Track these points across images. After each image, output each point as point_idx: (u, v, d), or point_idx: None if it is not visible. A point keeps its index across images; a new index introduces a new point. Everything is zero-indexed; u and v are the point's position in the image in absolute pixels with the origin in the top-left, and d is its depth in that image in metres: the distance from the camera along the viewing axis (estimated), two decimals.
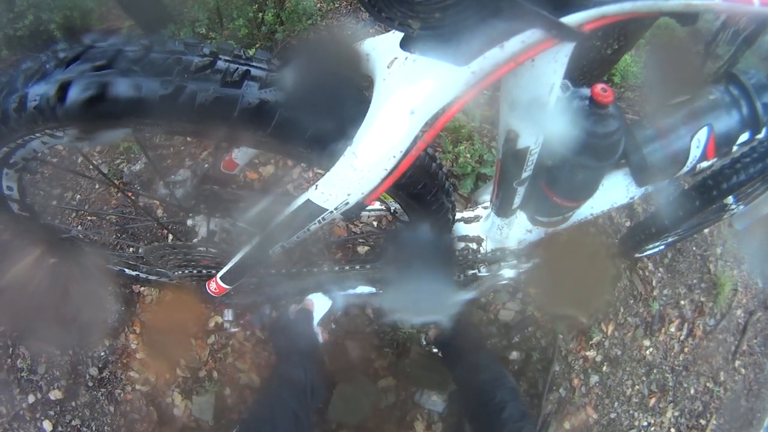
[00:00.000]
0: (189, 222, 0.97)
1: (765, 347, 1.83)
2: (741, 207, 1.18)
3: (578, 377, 1.57)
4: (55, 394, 1.41)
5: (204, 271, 1.00)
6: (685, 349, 1.70)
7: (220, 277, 0.89)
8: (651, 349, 1.66)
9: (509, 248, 1.08)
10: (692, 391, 1.68)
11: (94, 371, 1.43)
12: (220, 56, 0.58)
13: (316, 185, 0.64)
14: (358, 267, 1.15)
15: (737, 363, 1.77)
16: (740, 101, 0.79)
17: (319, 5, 1.95)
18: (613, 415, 1.57)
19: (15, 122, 0.57)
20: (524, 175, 0.79)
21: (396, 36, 0.57)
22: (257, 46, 1.80)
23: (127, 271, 1.20)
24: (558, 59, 0.55)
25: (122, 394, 1.42)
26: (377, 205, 1.00)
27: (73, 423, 1.40)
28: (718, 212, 1.23)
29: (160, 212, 1.59)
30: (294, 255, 1.44)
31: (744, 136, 0.82)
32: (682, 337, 1.71)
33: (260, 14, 1.76)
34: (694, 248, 1.83)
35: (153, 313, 1.48)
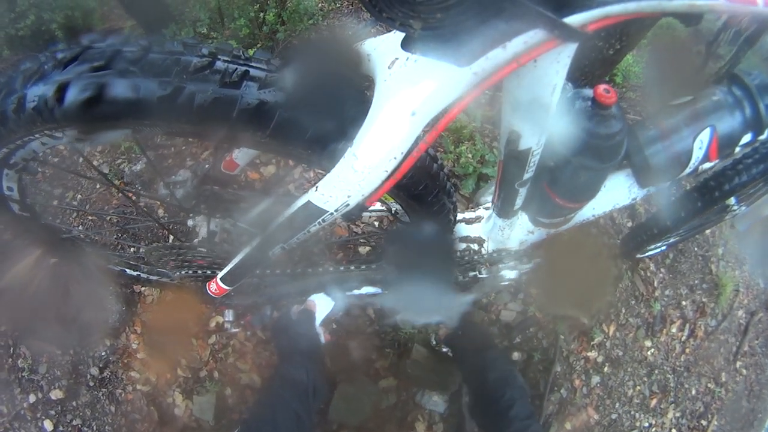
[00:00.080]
0: (190, 222, 0.97)
1: (766, 348, 1.83)
2: (743, 208, 1.17)
3: (579, 378, 1.57)
4: (56, 394, 1.42)
5: (204, 272, 1.00)
6: (687, 350, 1.70)
7: (221, 278, 0.88)
8: (652, 350, 1.66)
9: (511, 249, 1.08)
10: (693, 392, 1.68)
11: (95, 371, 1.44)
12: (219, 57, 0.58)
13: (317, 186, 0.64)
14: (360, 268, 1.14)
15: (738, 364, 1.76)
16: (743, 102, 0.79)
17: (320, 5, 1.95)
18: (614, 416, 1.57)
19: (14, 123, 0.57)
20: (526, 176, 0.78)
21: (397, 36, 0.57)
22: (258, 46, 1.79)
23: (128, 271, 1.20)
24: (561, 60, 0.55)
25: (123, 394, 1.42)
26: (378, 205, 0.99)
27: (74, 423, 1.40)
28: (720, 213, 1.22)
29: (161, 212, 1.59)
30: (295, 255, 1.44)
31: (747, 137, 0.82)
32: (683, 338, 1.71)
33: (261, 14, 1.75)
34: (695, 249, 1.82)
35: (154, 313, 1.48)
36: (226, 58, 0.58)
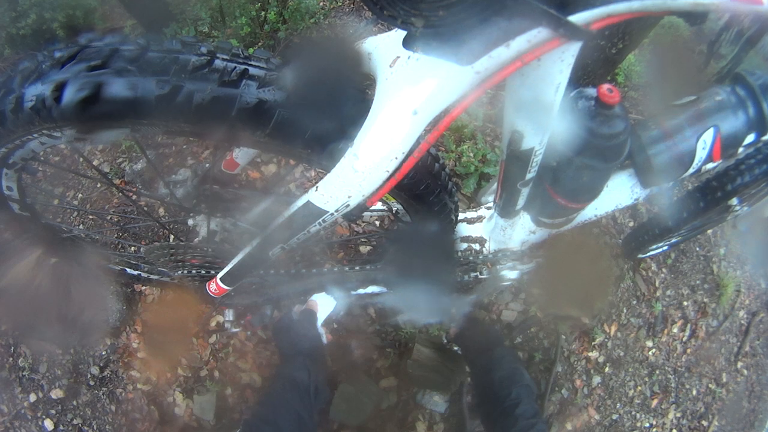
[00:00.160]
0: (190, 222, 0.96)
1: (767, 348, 1.82)
2: (745, 208, 1.17)
3: (580, 378, 1.56)
4: (56, 393, 1.42)
5: (204, 272, 1.00)
6: (688, 350, 1.69)
7: (220, 278, 0.88)
8: (654, 350, 1.65)
9: (512, 249, 1.08)
10: (694, 393, 1.67)
11: (95, 370, 1.44)
12: (218, 55, 0.57)
13: (317, 186, 0.63)
14: (364, 268, 1.14)
15: (739, 364, 1.76)
16: (747, 102, 0.78)
17: (321, 4, 1.94)
18: (615, 417, 1.57)
19: (12, 123, 0.56)
20: (528, 176, 0.78)
21: (399, 34, 0.56)
22: (260, 44, 1.79)
23: (128, 270, 1.20)
24: (564, 59, 0.54)
25: (123, 393, 1.42)
26: (379, 205, 0.99)
27: (75, 422, 1.40)
28: (722, 213, 1.22)
29: (161, 212, 1.59)
30: (296, 255, 1.43)
31: (750, 138, 0.81)
32: (684, 338, 1.70)
33: (263, 13, 1.75)
34: (697, 249, 1.82)
35: (154, 312, 1.48)
36: (224, 57, 0.57)
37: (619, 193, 0.96)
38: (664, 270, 1.74)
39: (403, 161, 0.59)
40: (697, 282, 1.77)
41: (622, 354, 1.62)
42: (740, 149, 0.84)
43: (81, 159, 1.63)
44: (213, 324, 1.48)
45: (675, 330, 1.70)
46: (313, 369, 1.06)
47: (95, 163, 1.67)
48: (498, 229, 1.03)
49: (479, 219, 1.11)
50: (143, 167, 1.61)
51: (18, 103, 0.54)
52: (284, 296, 1.25)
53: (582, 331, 1.60)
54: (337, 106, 0.60)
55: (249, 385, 1.44)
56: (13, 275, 1.11)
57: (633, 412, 1.59)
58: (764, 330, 1.84)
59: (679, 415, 1.63)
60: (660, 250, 1.60)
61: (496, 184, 0.90)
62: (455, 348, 1.39)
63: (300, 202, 0.66)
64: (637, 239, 1.43)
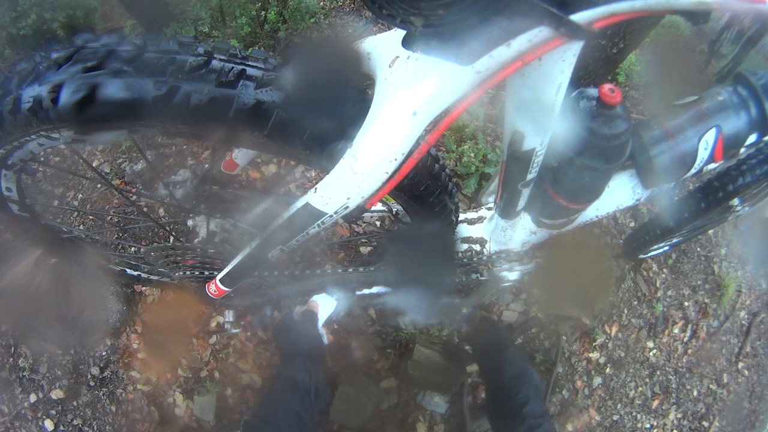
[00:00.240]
0: (189, 222, 0.96)
1: None
2: (746, 208, 1.16)
3: (581, 379, 1.56)
4: (56, 394, 1.41)
5: (203, 273, 1.00)
6: (689, 351, 1.69)
7: (220, 279, 0.88)
8: (654, 351, 1.65)
9: (513, 250, 1.07)
10: (695, 393, 1.67)
11: (95, 371, 1.43)
12: (215, 55, 0.57)
13: (315, 188, 0.63)
14: (367, 269, 1.13)
15: (740, 365, 1.75)
16: (749, 102, 0.78)
17: (322, 3, 1.94)
18: (615, 417, 1.56)
19: (10, 124, 0.56)
20: (529, 177, 0.77)
21: (398, 34, 0.56)
22: (260, 44, 1.79)
23: (128, 271, 1.19)
24: (566, 58, 0.54)
25: (124, 394, 1.42)
26: (379, 206, 0.99)
27: (75, 422, 1.40)
28: (723, 214, 1.21)
29: (162, 212, 1.59)
30: (296, 256, 1.43)
31: (752, 138, 0.81)
32: (685, 339, 1.70)
33: (263, 12, 1.75)
34: (698, 249, 1.81)
35: (155, 312, 1.48)
36: (222, 57, 0.57)
37: (620, 193, 0.95)
38: (665, 270, 1.74)
39: (403, 162, 0.58)
40: (698, 282, 1.77)
41: (622, 355, 1.61)
42: (742, 149, 0.83)
43: (80, 160, 1.63)
44: (213, 324, 1.48)
45: (676, 330, 1.69)
46: (314, 370, 1.06)
47: (95, 163, 1.67)
48: (499, 229, 1.02)
49: (480, 220, 1.10)
50: (143, 168, 1.61)
51: (15, 104, 0.54)
52: (284, 297, 1.25)
53: (583, 331, 1.60)
54: (336, 106, 0.60)
55: (249, 385, 1.44)
56: (13, 276, 1.10)
57: (634, 413, 1.58)
58: (765, 330, 1.83)
59: (680, 415, 1.63)
60: (661, 250, 1.60)
61: (496, 184, 0.89)
62: (466, 347, 1.40)
63: (299, 203, 0.66)
64: (638, 239, 1.43)
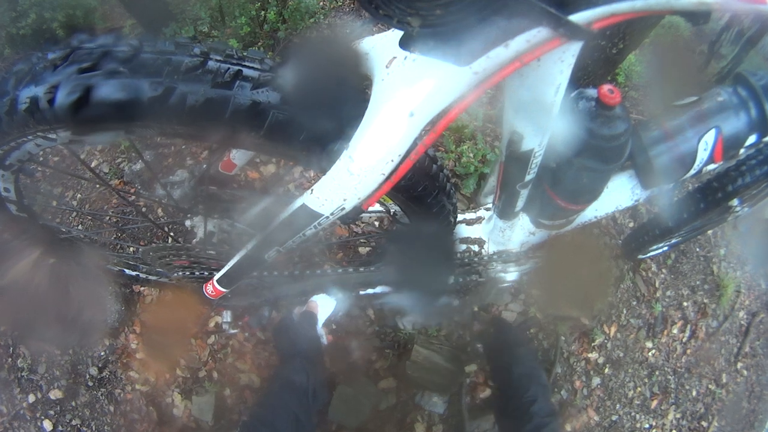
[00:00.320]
0: (187, 223, 0.96)
1: (767, 349, 1.82)
2: (745, 209, 1.16)
3: (580, 379, 1.56)
4: (55, 394, 1.41)
5: (202, 273, 1.00)
6: (688, 351, 1.69)
7: (217, 280, 0.88)
8: (653, 351, 1.65)
9: (511, 251, 1.07)
10: (694, 393, 1.67)
11: (94, 371, 1.43)
12: (212, 56, 0.56)
13: (312, 189, 0.63)
14: (364, 269, 1.13)
15: (739, 365, 1.75)
16: (749, 103, 0.78)
17: (321, 3, 1.93)
18: (614, 418, 1.56)
19: (7, 125, 0.56)
20: (528, 177, 0.77)
21: (395, 34, 0.55)
22: (259, 44, 1.78)
23: (126, 271, 1.19)
24: (565, 59, 0.54)
25: (122, 394, 1.42)
26: (377, 206, 0.98)
27: (73, 422, 1.40)
28: (723, 214, 1.21)
29: (160, 212, 1.59)
30: (294, 256, 1.43)
31: (752, 139, 0.81)
32: (684, 339, 1.70)
33: (262, 12, 1.74)
34: (697, 249, 1.81)
35: (153, 313, 1.47)
36: (218, 58, 0.56)
37: (619, 194, 0.95)
38: (664, 271, 1.74)
39: (400, 164, 0.58)
40: (697, 283, 1.77)
41: (621, 355, 1.61)
42: (742, 150, 0.83)
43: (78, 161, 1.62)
44: (211, 325, 1.48)
45: (675, 331, 1.69)
46: (312, 371, 1.06)
47: (94, 163, 1.66)
48: (497, 230, 1.02)
49: (478, 220, 1.10)
50: (142, 168, 1.60)
51: (12, 105, 0.54)
52: (282, 297, 1.25)
53: (581, 332, 1.60)
54: (334, 107, 0.60)
55: (247, 386, 1.44)
56: (11, 276, 1.10)
57: (632, 413, 1.58)
58: (764, 330, 1.83)
59: (678, 415, 1.63)
60: (660, 250, 1.60)
61: (493, 184, 0.89)
62: (478, 345, 1.40)
63: (295, 205, 0.66)
64: (637, 240, 1.43)
